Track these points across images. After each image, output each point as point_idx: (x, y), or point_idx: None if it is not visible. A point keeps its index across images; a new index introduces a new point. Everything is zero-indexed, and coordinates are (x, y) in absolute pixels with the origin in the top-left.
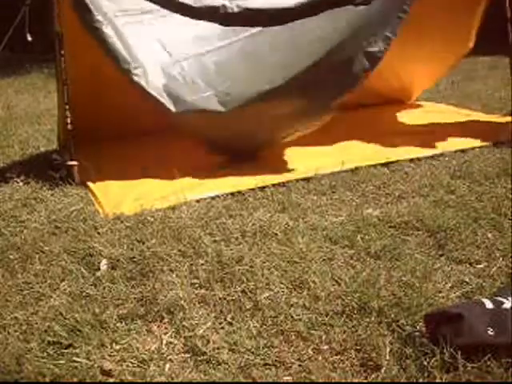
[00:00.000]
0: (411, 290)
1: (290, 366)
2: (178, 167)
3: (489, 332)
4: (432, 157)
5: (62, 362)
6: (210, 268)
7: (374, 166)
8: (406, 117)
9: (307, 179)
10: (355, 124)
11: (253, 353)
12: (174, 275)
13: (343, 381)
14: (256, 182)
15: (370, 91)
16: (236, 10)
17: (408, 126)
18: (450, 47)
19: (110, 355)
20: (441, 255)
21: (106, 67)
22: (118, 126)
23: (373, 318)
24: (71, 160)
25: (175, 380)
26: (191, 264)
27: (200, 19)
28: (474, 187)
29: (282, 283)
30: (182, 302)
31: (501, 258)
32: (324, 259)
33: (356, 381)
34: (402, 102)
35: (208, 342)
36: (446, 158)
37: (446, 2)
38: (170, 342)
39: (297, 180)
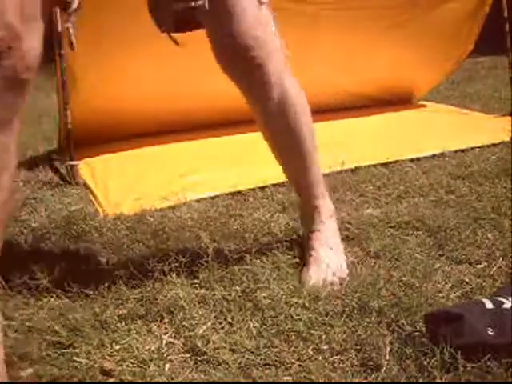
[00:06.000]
0: (411, 290)
1: (290, 366)
2: (178, 167)
3: (489, 332)
4: (432, 157)
5: (62, 361)
6: (209, 268)
7: (374, 165)
8: (406, 117)
9: None
10: (355, 124)
11: (253, 353)
12: (174, 275)
13: (343, 381)
14: (256, 181)
15: (369, 93)
16: None
17: (408, 126)
18: (450, 50)
19: (109, 355)
20: (441, 255)
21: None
22: (118, 126)
23: (373, 318)
24: (71, 160)
25: (175, 380)
26: (191, 264)
27: None
28: (474, 187)
29: (282, 283)
30: (182, 302)
31: (501, 258)
32: None
33: (356, 381)
34: (401, 103)
35: (208, 342)
36: (446, 158)
37: (446, 4)
38: (170, 342)
39: None
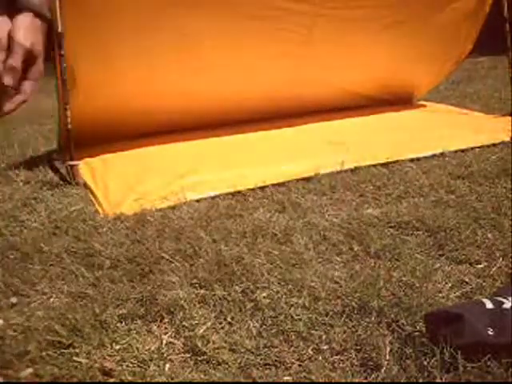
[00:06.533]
0: (411, 290)
1: (290, 366)
2: (178, 167)
3: (489, 332)
4: (432, 157)
5: (62, 361)
6: (209, 268)
7: (374, 165)
8: (406, 117)
9: (307, 179)
10: (355, 124)
11: (253, 353)
12: (174, 275)
13: (343, 381)
14: (256, 181)
15: (369, 93)
16: None
17: (408, 126)
18: (450, 50)
19: (109, 355)
20: (441, 255)
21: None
22: (118, 126)
23: (373, 318)
24: (71, 160)
25: (175, 380)
26: (191, 264)
27: None
28: (474, 187)
29: (281, 283)
30: (182, 302)
31: (501, 258)
32: (324, 259)
33: (356, 381)
34: (401, 103)
35: (208, 342)
36: (446, 158)
37: (446, 4)
38: (170, 342)
39: (297, 180)
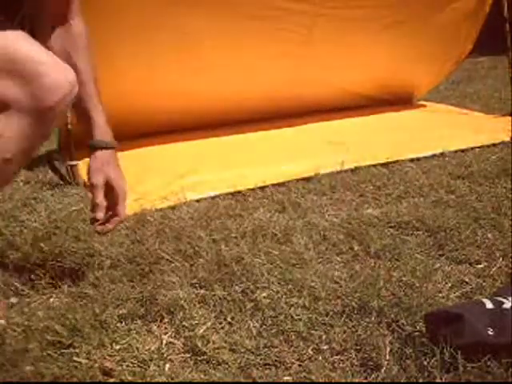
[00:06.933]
0: (411, 290)
1: (290, 366)
2: (178, 167)
3: (489, 332)
4: (432, 157)
5: (62, 361)
6: (209, 268)
7: (374, 165)
8: (406, 117)
9: (307, 179)
10: (355, 124)
11: (253, 353)
12: (174, 275)
13: (343, 381)
14: (256, 181)
15: (368, 93)
16: None
17: (408, 126)
18: (450, 50)
19: (110, 355)
20: (441, 255)
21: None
22: (118, 126)
23: (373, 318)
24: (71, 160)
25: (175, 380)
26: (191, 264)
27: None
28: (474, 187)
29: (281, 283)
30: (182, 302)
31: (501, 258)
32: (324, 259)
33: (356, 381)
34: (401, 103)
35: (208, 342)
36: (446, 158)
37: (446, 4)
38: (170, 342)
39: (297, 180)
